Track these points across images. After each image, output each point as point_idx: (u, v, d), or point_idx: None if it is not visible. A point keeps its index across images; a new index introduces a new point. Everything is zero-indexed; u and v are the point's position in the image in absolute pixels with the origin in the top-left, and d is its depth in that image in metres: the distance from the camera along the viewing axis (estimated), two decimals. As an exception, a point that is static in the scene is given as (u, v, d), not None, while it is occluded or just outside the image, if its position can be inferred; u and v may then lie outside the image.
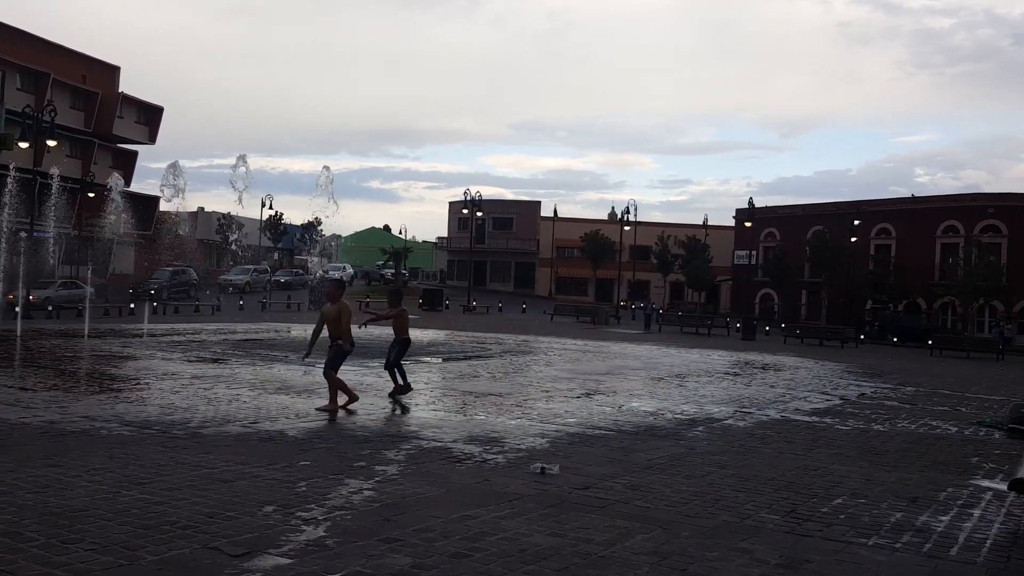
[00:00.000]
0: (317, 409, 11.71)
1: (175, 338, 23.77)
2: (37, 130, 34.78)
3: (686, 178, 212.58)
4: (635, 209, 65.76)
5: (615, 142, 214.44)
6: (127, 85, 62.79)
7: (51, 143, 37.20)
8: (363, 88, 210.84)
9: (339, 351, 12.04)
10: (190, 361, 17.78)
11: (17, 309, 25.79)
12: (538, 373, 18.53)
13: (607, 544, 6.01)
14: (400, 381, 13.71)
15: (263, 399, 12.71)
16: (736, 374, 20.66)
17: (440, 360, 21.01)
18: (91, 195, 52.63)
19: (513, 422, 11.45)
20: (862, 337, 43.16)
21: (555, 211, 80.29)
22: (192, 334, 25.47)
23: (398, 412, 12.19)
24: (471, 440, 9.87)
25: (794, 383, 19.23)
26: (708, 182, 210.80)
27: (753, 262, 57.70)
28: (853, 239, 56.20)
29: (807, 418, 13.50)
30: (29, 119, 35.09)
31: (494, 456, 9.00)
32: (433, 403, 13.16)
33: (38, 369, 15.70)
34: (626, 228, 64.87)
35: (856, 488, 8.41)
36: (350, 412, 11.69)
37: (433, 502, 6.94)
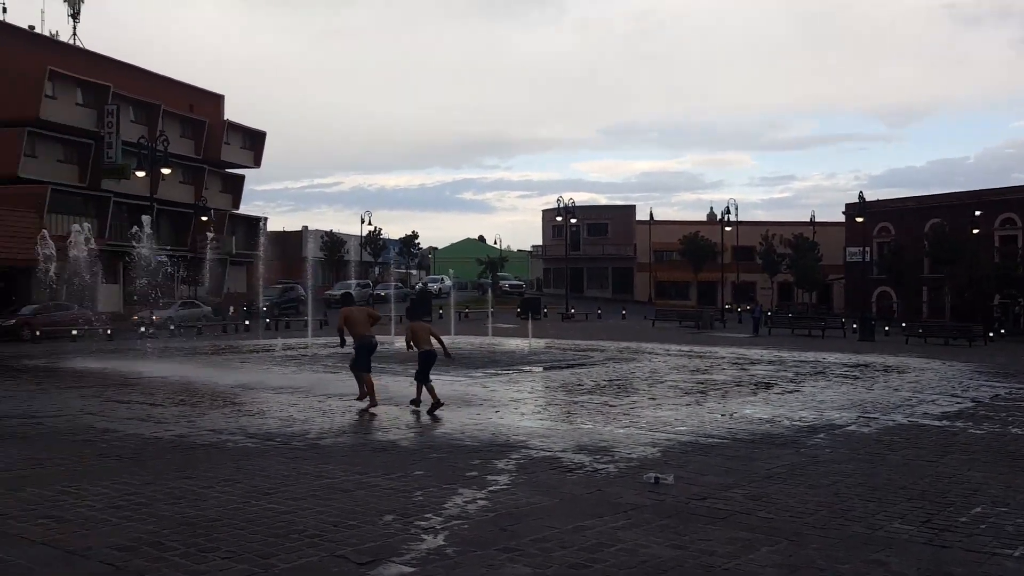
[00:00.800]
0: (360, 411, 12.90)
1: (288, 352, 24.55)
2: (152, 159, 36.49)
3: (789, 174, 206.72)
4: (736, 208, 63.89)
5: (711, 141, 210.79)
6: (231, 112, 65.26)
7: (165, 171, 38.93)
8: (453, 101, 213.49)
9: (362, 347, 13.40)
10: (305, 374, 18.33)
11: (142, 329, 27.09)
12: (643, 380, 18.34)
13: (731, 556, 5.90)
14: (415, 394, 13.41)
15: (375, 410, 12.98)
16: (856, 377, 19.91)
17: (541, 369, 21.05)
18: (204, 218, 54.85)
19: (622, 431, 11.37)
20: (991, 334, 40.87)
21: (651, 214, 79.44)
22: (303, 348, 26.24)
23: (420, 419, 12.30)
24: (580, 449, 9.84)
25: (920, 385, 18.33)
26: (813, 177, 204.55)
27: (867, 259, 55.56)
28: (975, 231, 53.51)
29: (937, 422, 12.87)
30: (144, 149, 36.86)
31: (605, 466, 8.95)
32: (539, 412, 13.19)
33: (165, 385, 16.47)
34: (727, 228, 63.16)
35: (996, 496, 7.99)
36: (370, 412, 12.79)
37: (547, 512, 6.96)
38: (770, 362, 23.63)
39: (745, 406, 14.27)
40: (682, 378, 18.74)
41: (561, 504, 7.25)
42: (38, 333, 32.35)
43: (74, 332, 32.13)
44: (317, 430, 11.07)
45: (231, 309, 48.11)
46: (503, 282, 75.99)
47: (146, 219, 30.70)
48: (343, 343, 13.92)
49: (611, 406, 13.91)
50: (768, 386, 17.52)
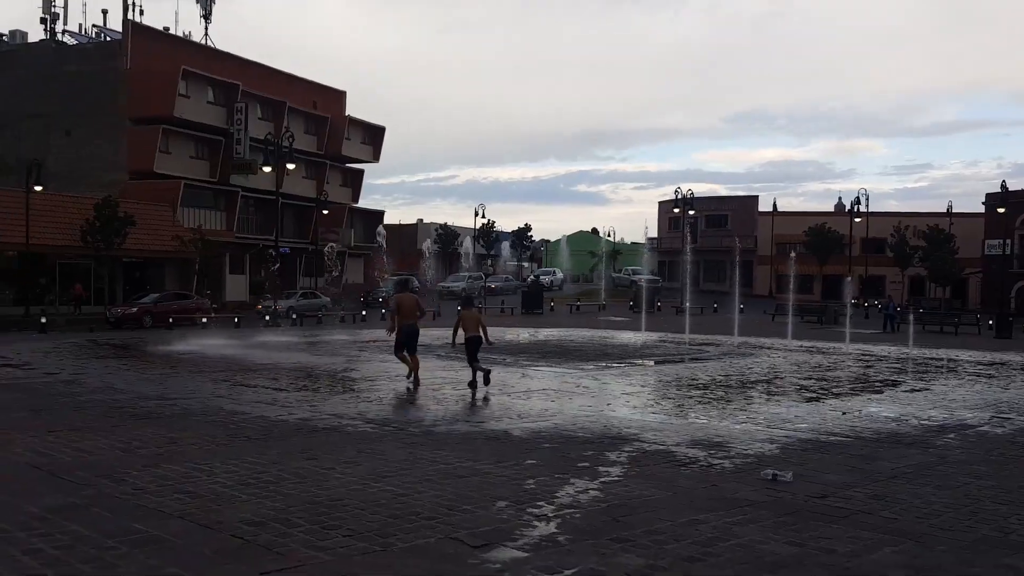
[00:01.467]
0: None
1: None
2: (278, 155, 37.93)
3: (925, 162, 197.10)
4: (866, 199, 61.09)
5: (841, 128, 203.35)
6: (352, 108, 67.12)
7: (290, 167, 40.48)
8: (570, 92, 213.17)
9: (407, 332, 15.10)
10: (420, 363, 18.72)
11: (266, 317, 28.19)
12: (761, 375, 17.93)
13: (852, 555, 5.73)
14: (472, 377, 14.83)
15: (487, 399, 13.20)
16: (991, 376, 18.90)
17: (654, 363, 20.85)
18: (325, 212, 56.64)
19: (738, 426, 11.16)
20: None
21: (774, 205, 77.27)
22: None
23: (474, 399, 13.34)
24: (694, 444, 9.72)
25: (1058, 386, 17.24)
26: (952, 165, 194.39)
27: (1008, 252, 52.47)
28: None
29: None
30: (271, 145, 38.34)
31: (720, 461, 8.81)
32: (651, 406, 13.09)
33: (289, 371, 17.17)
34: (856, 220, 60.52)
35: None
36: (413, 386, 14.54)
37: (660, 505, 6.92)
38: (898, 359, 22.69)
39: (870, 404, 13.76)
40: (803, 374, 18.23)
41: (674, 497, 7.20)
42: (171, 320, 34.12)
43: (204, 320, 33.75)
44: (432, 417, 11.32)
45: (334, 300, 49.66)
46: (637, 276, 73.59)
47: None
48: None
49: (727, 401, 13.68)
50: (895, 384, 16.82)
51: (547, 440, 9.77)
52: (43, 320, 30.10)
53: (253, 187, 52.12)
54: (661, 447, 9.50)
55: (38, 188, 37.13)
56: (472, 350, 14.77)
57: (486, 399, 13.36)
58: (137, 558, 5.31)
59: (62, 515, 6.23)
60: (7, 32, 57.07)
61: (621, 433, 10.38)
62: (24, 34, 57.14)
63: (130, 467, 7.92)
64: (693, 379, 17.00)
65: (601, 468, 8.27)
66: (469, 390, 14.19)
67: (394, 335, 15.23)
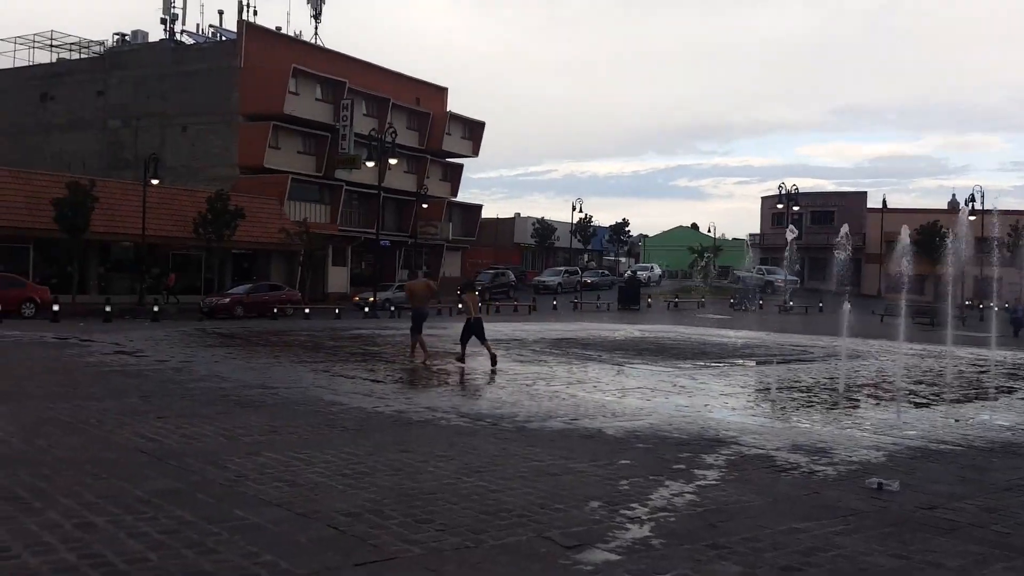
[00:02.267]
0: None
1: (498, 338, 25.21)
2: (381, 150, 38.63)
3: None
4: (982, 195, 58.45)
5: (956, 122, 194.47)
6: (453, 104, 67.85)
7: (392, 161, 41.17)
8: (671, 86, 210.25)
9: (418, 315, 17.54)
10: (513, 359, 18.78)
11: (366, 309, 28.71)
12: (868, 379, 17.27)
13: (960, 571, 5.42)
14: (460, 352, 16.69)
15: (581, 397, 13.11)
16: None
17: (755, 363, 20.34)
18: (424, 206, 57.45)
19: (842, 432, 10.77)
20: None
21: (883, 201, 74.18)
22: (512, 333, 26.89)
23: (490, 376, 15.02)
24: (796, 449, 9.41)
25: None
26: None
27: None
28: None
29: None
30: (374, 141, 39.08)
31: (823, 467, 8.50)
32: (751, 407, 12.77)
33: (385, 363, 17.46)
34: (971, 218, 57.76)
35: None
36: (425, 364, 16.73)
37: (759, 511, 6.72)
38: (1015, 364, 21.52)
39: (983, 411, 13.08)
40: (912, 378, 17.47)
41: (774, 504, 6.97)
42: (275, 310, 35.08)
43: (288, 311, 34.21)
44: (525, 413, 11.29)
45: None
46: (773, 276, 64.67)
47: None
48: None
49: (832, 405, 13.21)
50: (1010, 391, 15.96)
51: (641, 440, 9.62)
52: (155, 309, 31.41)
53: (356, 181, 53.30)
54: (761, 451, 9.24)
55: (155, 182, 38.83)
56: (477, 331, 16.43)
57: (493, 374, 15.61)
58: (237, 544, 5.44)
59: (167, 499, 6.44)
60: (129, 32, 59.82)
61: (719, 435, 10.14)
62: (145, 34, 59.80)
63: (233, 454, 8.15)
64: (796, 381, 16.50)
65: (697, 471, 8.08)
66: (459, 364, 16.26)
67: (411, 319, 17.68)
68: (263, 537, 5.60)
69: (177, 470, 7.48)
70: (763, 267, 69.90)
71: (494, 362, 16.27)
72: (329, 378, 14.85)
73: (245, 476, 7.27)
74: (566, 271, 65.00)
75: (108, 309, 29.77)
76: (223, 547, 5.38)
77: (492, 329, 28.24)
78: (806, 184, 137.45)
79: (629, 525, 6.15)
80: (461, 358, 16.48)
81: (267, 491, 6.79)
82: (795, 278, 64.62)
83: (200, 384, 13.46)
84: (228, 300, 36.54)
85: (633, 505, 6.71)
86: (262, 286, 39.47)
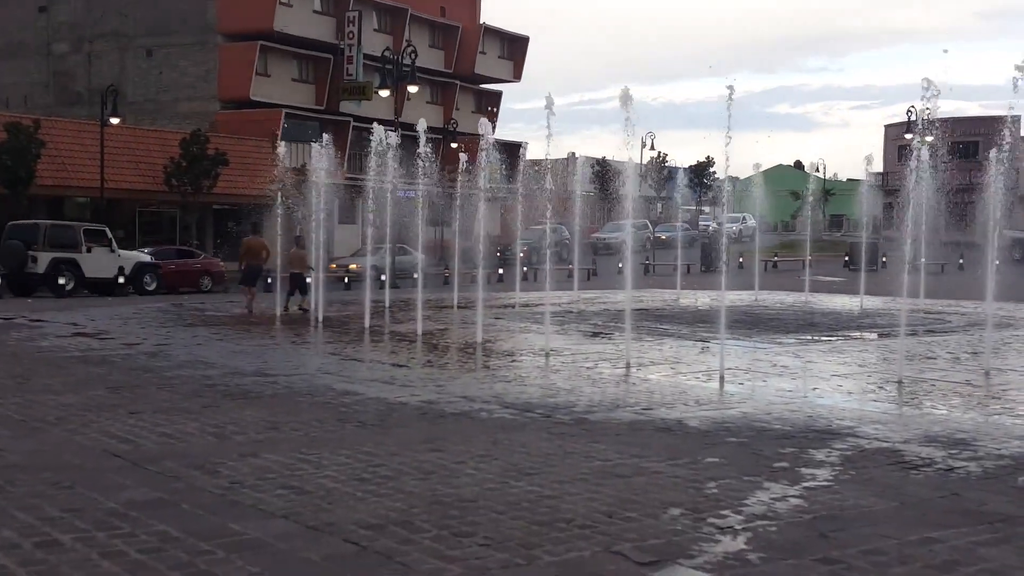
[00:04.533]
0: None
1: (551, 308, 25.32)
2: (397, 75, 38.57)
3: None
4: None
5: None
6: (488, 14, 67.64)
7: (412, 89, 41.02)
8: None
9: (251, 270, 24.72)
10: (569, 335, 18.90)
11: (383, 277, 28.81)
12: (1020, 353, 17.09)
13: None
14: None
15: (655, 381, 13.21)
16: None
17: (876, 336, 20.23)
18: (454, 145, 57.59)
19: (989, 419, 10.74)
20: None
21: (1041, 126, 72.98)
22: (568, 303, 26.99)
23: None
24: (929, 441, 9.43)
25: None
26: None
27: None
28: None
29: None
30: (389, 63, 39.04)
31: (963, 463, 8.51)
32: (872, 391, 12.77)
33: (410, 344, 17.68)
34: None
35: None
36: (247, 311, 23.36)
37: (881, 518, 6.78)
38: None
39: None
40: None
41: (901, 509, 7.02)
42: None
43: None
44: (586, 402, 11.40)
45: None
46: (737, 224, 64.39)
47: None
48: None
49: (974, 386, 13.16)
50: None
51: (733, 433, 9.69)
52: (121, 281, 31.85)
53: (367, 115, 53.45)
54: (884, 444, 9.27)
55: (114, 121, 39.18)
56: (300, 284, 24.13)
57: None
58: (234, 564, 5.62)
59: (147, 512, 6.65)
60: (78, -66, 60.44)
61: (831, 426, 10.17)
62: (97, -65, 60.40)
63: (224, 456, 8.37)
64: (929, 357, 16.42)
65: (804, 470, 8.13)
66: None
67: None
68: (266, 556, 5.79)
69: (157, 476, 7.70)
70: (731, 215, 68.60)
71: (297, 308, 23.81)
72: (339, 362, 15.08)
73: (241, 482, 7.47)
74: (633, 225, 64.76)
75: (62, 282, 30.35)
76: (218, 568, 5.57)
77: (537, 298, 28.36)
78: (945, 108, 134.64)
79: (719, 536, 6.23)
80: (286, 307, 23.57)
81: (269, 500, 6.98)
82: (755, 223, 63.19)
83: (180, 372, 13.76)
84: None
85: (724, 512, 6.79)
86: (168, 251, 37.86)
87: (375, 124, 24.89)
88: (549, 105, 17.26)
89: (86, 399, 11.37)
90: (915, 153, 15.44)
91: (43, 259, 30.30)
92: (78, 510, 6.70)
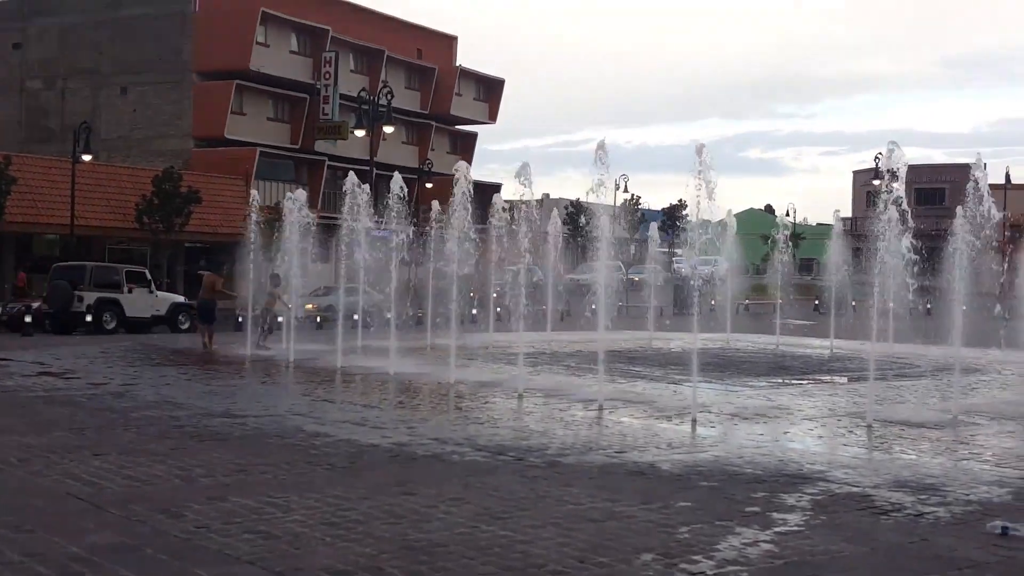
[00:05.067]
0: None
1: (524, 350, 25.27)
2: (373, 116, 38.71)
3: None
4: None
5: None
6: (464, 57, 68.07)
7: (388, 129, 41.18)
8: (740, 33, 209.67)
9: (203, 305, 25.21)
10: (542, 376, 18.86)
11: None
12: (987, 397, 17.25)
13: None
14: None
15: (628, 423, 13.23)
16: None
17: (846, 380, 20.34)
18: (429, 185, 57.69)
19: (957, 464, 10.83)
20: None
21: (1007, 176, 73.71)
22: (540, 345, 26.94)
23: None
24: (899, 486, 9.47)
25: None
26: None
27: None
28: None
29: None
30: (365, 104, 39.19)
31: (933, 508, 8.56)
32: (842, 435, 12.84)
33: (381, 384, 17.63)
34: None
35: None
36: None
37: (853, 563, 6.82)
38: None
39: None
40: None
41: (871, 555, 7.04)
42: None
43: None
44: (558, 445, 11.37)
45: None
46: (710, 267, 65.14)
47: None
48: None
49: (943, 431, 13.25)
50: None
51: (705, 477, 9.69)
52: (88, 319, 31.52)
53: (342, 155, 53.57)
54: (855, 489, 9.31)
55: (86, 157, 38.96)
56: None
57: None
58: (198, 610, 5.53)
59: (110, 557, 6.55)
60: (54, -28, 60.43)
61: (802, 470, 10.20)
62: (73, -28, 60.37)
63: (191, 500, 8.26)
64: (898, 401, 16.54)
65: (776, 514, 8.14)
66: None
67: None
68: (231, 601, 5.69)
69: (121, 520, 7.59)
70: (703, 258, 68.80)
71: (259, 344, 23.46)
72: (311, 403, 14.98)
73: (207, 526, 7.37)
74: (607, 266, 64.99)
75: (28, 320, 29.98)
76: (182, 613, 5.47)
77: (509, 340, 28.30)
78: (911, 155, 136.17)
79: (691, 584, 6.20)
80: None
81: (235, 545, 6.88)
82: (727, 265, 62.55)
83: (147, 413, 13.59)
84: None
85: (696, 557, 6.77)
86: None
87: (350, 173, 24.93)
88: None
89: (49, 440, 11.21)
90: (884, 206, 15.55)
91: (88, 298, 31.19)
92: (40, 555, 6.58)
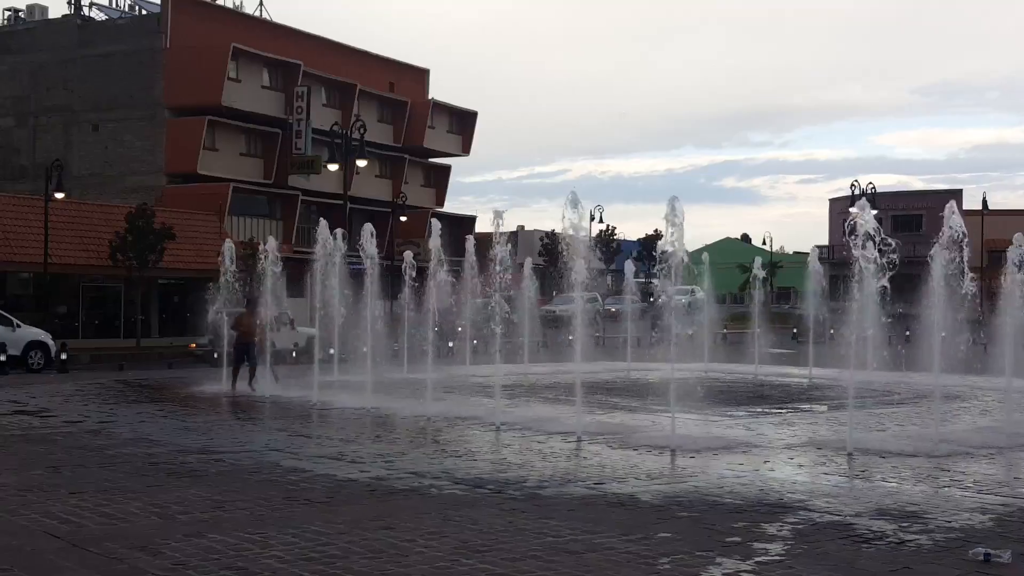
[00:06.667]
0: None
1: (501, 381, 25.24)
2: (346, 150, 38.74)
3: None
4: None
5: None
6: (437, 90, 68.41)
7: (361, 163, 41.19)
8: (714, 62, 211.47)
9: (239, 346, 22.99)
10: (519, 408, 18.86)
11: (332, 351, 28.37)
12: (970, 424, 17.36)
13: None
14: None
15: (607, 454, 13.25)
16: None
17: (826, 408, 20.42)
18: (403, 219, 57.71)
19: (938, 491, 10.90)
20: None
21: (983, 202, 74.42)
22: (516, 377, 26.91)
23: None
24: (880, 514, 9.52)
25: None
26: None
27: None
28: None
29: None
30: (337, 138, 39.24)
31: (915, 536, 8.61)
32: (823, 464, 12.88)
33: (358, 419, 17.60)
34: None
35: None
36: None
37: (835, 591, 6.82)
38: None
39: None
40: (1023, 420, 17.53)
41: (853, 583, 7.06)
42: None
43: None
44: (537, 477, 11.38)
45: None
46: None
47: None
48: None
49: (923, 458, 13.31)
50: None
51: (685, 507, 9.72)
52: (63, 357, 31.33)
53: (316, 189, 53.56)
54: (836, 517, 9.35)
55: (59, 195, 38.79)
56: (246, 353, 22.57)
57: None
58: (177, 648, 5.50)
59: (89, 593, 6.51)
60: (24, 7, 60.32)
61: (783, 499, 10.24)
62: (44, 9, 60.27)
63: (168, 536, 8.23)
64: (879, 428, 16.65)
65: (757, 544, 8.18)
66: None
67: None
68: (211, 638, 5.67)
69: (98, 558, 7.55)
70: (680, 288, 68.60)
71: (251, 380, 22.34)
72: (288, 438, 14.93)
73: (185, 563, 7.35)
74: (583, 297, 65.01)
75: (3, 359, 29.80)
76: (161, 652, 5.44)
77: (483, 372, 28.26)
78: (887, 182, 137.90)
79: (672, 614, 6.23)
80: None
81: (214, 581, 6.86)
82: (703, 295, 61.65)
83: (124, 450, 13.54)
84: None
85: (676, 589, 6.79)
86: None
87: (321, 220, 25.04)
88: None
89: (25, 479, 11.14)
90: (859, 238, 15.79)
91: None
92: (15, 595, 6.54)
